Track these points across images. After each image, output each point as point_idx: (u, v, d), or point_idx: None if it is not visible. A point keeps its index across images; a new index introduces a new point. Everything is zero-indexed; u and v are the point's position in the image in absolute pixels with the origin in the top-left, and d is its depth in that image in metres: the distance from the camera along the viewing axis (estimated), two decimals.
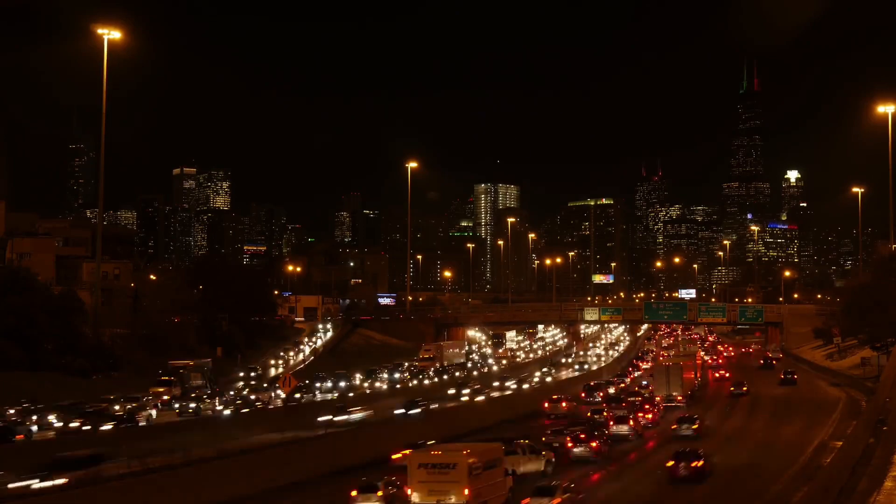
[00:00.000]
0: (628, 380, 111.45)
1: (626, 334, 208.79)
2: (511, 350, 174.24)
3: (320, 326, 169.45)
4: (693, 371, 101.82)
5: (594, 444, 54.38)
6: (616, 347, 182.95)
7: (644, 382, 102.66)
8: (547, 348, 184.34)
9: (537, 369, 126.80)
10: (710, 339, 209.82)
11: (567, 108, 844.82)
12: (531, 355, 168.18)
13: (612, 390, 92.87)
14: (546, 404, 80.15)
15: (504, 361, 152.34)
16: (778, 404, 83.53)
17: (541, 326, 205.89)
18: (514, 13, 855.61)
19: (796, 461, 51.83)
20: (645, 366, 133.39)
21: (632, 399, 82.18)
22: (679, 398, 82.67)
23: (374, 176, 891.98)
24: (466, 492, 38.37)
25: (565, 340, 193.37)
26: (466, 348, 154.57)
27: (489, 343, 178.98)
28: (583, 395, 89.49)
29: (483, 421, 72.33)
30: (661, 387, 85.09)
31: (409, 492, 39.73)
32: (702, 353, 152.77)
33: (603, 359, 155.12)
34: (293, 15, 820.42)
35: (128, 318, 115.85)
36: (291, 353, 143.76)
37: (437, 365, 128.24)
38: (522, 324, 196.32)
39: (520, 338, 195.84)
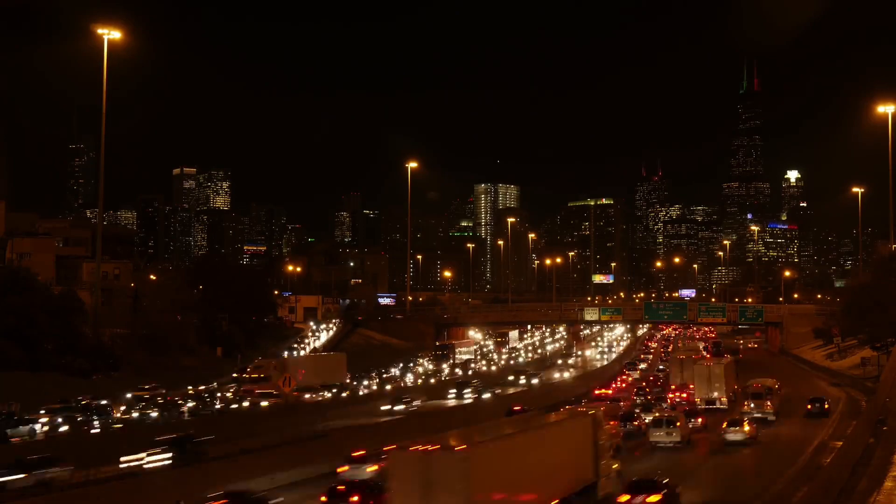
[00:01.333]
0: (636, 373, 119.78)
1: (626, 333, 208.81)
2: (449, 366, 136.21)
3: (319, 326, 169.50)
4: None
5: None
6: (614, 348, 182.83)
7: (660, 367, 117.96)
8: (525, 355, 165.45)
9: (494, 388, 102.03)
10: (710, 336, 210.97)
11: (567, 107, 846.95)
12: (482, 368, 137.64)
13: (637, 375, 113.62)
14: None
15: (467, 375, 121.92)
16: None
17: (513, 334, 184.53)
18: (514, 13, 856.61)
19: (796, 461, 51.80)
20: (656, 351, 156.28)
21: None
22: (691, 385, 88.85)
23: (374, 176, 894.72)
24: None
25: (556, 345, 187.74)
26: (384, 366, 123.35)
27: (431, 356, 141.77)
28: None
29: None
30: (676, 376, 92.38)
31: None
32: (703, 349, 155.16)
33: (597, 361, 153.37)
34: (293, 15, 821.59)
35: (128, 318, 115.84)
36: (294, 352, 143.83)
37: (275, 391, 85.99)
38: (520, 324, 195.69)
39: (489, 345, 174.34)
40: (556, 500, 35.42)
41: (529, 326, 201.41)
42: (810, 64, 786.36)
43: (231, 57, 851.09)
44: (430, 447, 30.32)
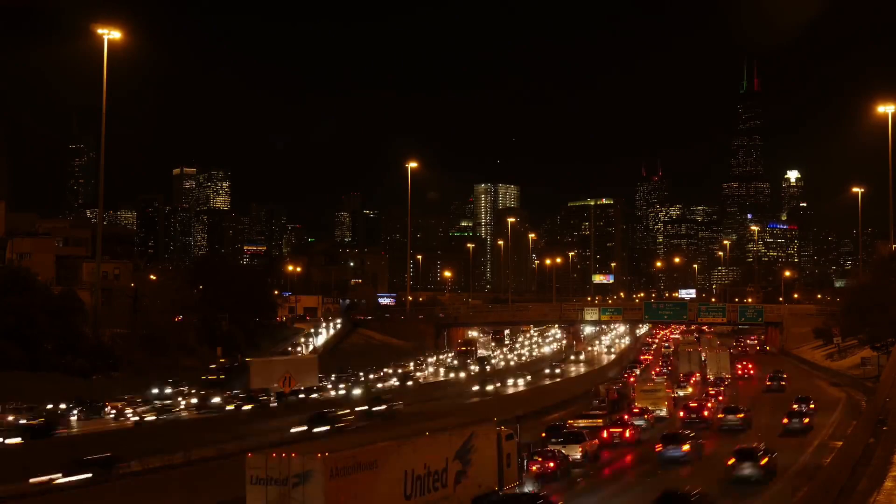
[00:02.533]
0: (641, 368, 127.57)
1: (621, 339, 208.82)
2: None
3: (319, 327, 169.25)
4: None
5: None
6: (612, 349, 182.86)
7: (671, 348, 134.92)
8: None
9: None
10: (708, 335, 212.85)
11: (567, 107, 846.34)
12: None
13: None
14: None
15: None
16: (777, 403, 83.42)
17: (483, 339, 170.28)
18: (514, 13, 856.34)
19: (796, 461, 51.74)
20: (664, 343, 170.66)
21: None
22: (697, 373, 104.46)
23: (374, 176, 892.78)
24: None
25: (535, 354, 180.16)
26: None
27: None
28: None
29: None
30: (684, 365, 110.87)
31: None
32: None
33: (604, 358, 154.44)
34: (293, 15, 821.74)
35: (128, 318, 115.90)
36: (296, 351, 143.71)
37: None
38: (521, 324, 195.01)
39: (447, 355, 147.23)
40: None
41: (507, 332, 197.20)
42: (810, 64, 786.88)
43: (231, 57, 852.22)
44: (690, 349, 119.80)
